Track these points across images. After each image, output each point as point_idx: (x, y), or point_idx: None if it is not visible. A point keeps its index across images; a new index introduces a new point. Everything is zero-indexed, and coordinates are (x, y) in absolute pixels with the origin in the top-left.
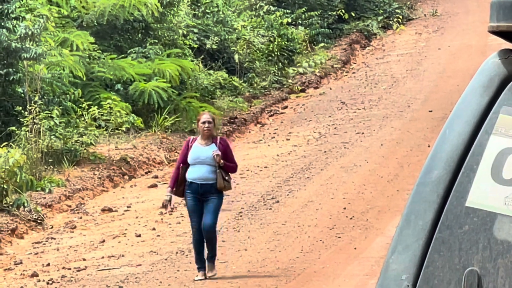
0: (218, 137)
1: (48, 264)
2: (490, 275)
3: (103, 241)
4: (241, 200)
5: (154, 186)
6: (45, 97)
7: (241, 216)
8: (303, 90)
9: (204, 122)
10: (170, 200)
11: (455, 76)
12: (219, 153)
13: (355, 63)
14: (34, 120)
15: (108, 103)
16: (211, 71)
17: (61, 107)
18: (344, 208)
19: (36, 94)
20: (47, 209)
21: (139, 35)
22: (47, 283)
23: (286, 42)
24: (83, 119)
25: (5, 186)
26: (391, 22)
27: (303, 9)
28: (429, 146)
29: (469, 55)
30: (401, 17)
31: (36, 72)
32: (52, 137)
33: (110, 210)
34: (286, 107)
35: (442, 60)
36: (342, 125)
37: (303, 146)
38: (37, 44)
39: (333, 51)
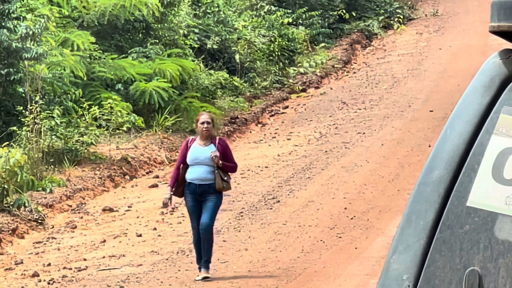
0: (217, 137)
1: (49, 264)
2: (491, 275)
3: (104, 241)
4: (242, 200)
5: (155, 186)
6: (46, 97)
7: (242, 216)
8: (304, 90)
9: (203, 123)
10: (170, 199)
11: (456, 76)
12: (217, 154)
13: (356, 63)
14: (35, 120)
15: (109, 103)
16: (212, 71)
17: (62, 107)
18: (345, 208)
19: (37, 94)
20: (48, 209)
21: (140, 35)
22: (48, 283)
23: (287, 42)
24: (84, 119)
25: (6, 186)
26: (392, 22)
27: (304, 9)
28: (430, 146)
29: (470, 55)
30: (402, 17)
31: (37, 72)
32: (53, 137)
33: (111, 210)
34: (287, 107)
35: (443, 60)
36: (343, 125)
37: (304, 146)
38: (38, 44)
39: (334, 51)
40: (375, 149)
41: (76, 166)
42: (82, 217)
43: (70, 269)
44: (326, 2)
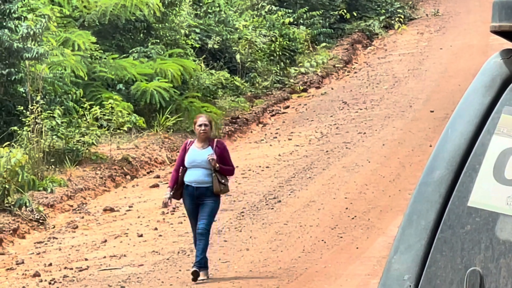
0: (216, 139)
1: (50, 264)
2: (492, 275)
3: (105, 241)
4: (243, 200)
5: (156, 186)
6: (47, 97)
7: (243, 216)
8: (305, 90)
9: (200, 125)
10: (170, 199)
11: (457, 75)
12: (214, 157)
13: (356, 63)
14: (36, 120)
15: (110, 103)
16: (213, 71)
17: (63, 107)
18: (346, 208)
19: (38, 94)
20: (49, 209)
21: (141, 35)
22: (49, 283)
23: (288, 42)
24: (85, 119)
25: (7, 186)
26: (393, 21)
27: (305, 8)
28: (430, 146)
29: (471, 54)
30: (402, 16)
31: (38, 72)
32: (54, 137)
33: (112, 210)
34: (288, 107)
35: (443, 60)
36: (344, 125)
37: (305, 146)
38: (39, 44)
39: (335, 51)
40: (376, 149)
41: (77, 166)
42: (83, 217)
43: (71, 269)
44: (327, 2)
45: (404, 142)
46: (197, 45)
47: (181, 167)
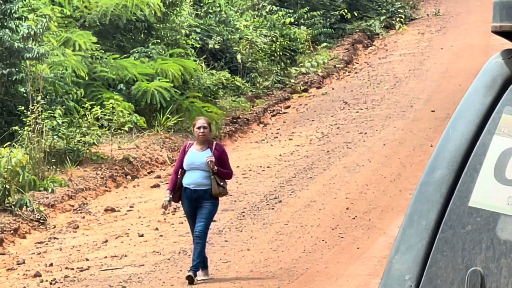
0: (215, 142)
1: (51, 264)
2: (493, 275)
3: (106, 241)
4: (243, 200)
5: (156, 186)
6: (47, 97)
7: (243, 216)
8: (305, 90)
9: (199, 127)
10: (169, 201)
11: (458, 76)
12: (213, 159)
13: (357, 63)
14: (37, 120)
15: (110, 103)
16: (214, 71)
17: (63, 107)
18: (347, 208)
19: (39, 94)
20: (50, 209)
21: (142, 35)
22: (50, 283)
23: (288, 42)
24: (85, 119)
25: (7, 186)
26: (393, 22)
27: (306, 9)
28: (431, 146)
29: (472, 55)
30: (403, 17)
31: (38, 72)
32: (54, 137)
33: (113, 210)
34: (289, 107)
35: (444, 60)
36: (345, 125)
37: (306, 146)
38: (39, 44)
39: (336, 51)
40: (377, 149)
41: (78, 166)
42: (84, 217)
43: (72, 269)
44: (327, 2)
45: (405, 142)
46: (198, 45)
47: (180, 170)
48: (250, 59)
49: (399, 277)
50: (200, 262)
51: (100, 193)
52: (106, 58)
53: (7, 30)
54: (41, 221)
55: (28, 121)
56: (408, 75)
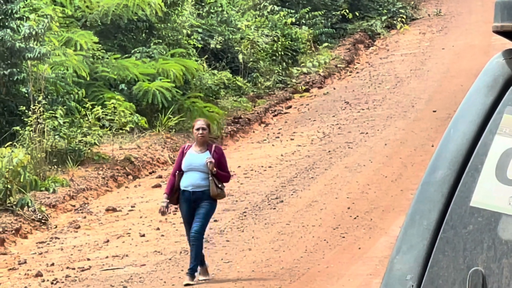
0: (214, 144)
1: (52, 264)
2: (494, 275)
3: (107, 241)
4: (245, 200)
5: (158, 186)
6: (49, 97)
7: (245, 216)
8: (307, 90)
9: (198, 129)
10: (167, 206)
11: (459, 76)
12: (212, 160)
13: (359, 63)
14: (38, 120)
15: (112, 103)
16: (215, 71)
17: (65, 107)
18: (348, 208)
19: (40, 94)
20: (51, 209)
21: (143, 34)
22: (51, 283)
23: (290, 42)
24: (87, 119)
25: (9, 186)
26: (395, 22)
27: (307, 9)
28: (433, 146)
29: (473, 55)
30: (405, 17)
31: (40, 72)
32: (56, 137)
33: (114, 210)
34: (290, 107)
35: (446, 60)
36: (346, 125)
37: (307, 146)
38: (41, 44)
39: (337, 51)
40: (378, 149)
41: (79, 166)
42: (85, 217)
43: (74, 269)
44: (329, 2)
45: (406, 142)
46: (199, 45)
47: (178, 171)
48: (251, 59)
49: (400, 277)
50: (197, 265)
51: (101, 193)
52: (107, 58)
53: (8, 30)
54: (43, 221)
55: (29, 121)
56: (410, 75)
